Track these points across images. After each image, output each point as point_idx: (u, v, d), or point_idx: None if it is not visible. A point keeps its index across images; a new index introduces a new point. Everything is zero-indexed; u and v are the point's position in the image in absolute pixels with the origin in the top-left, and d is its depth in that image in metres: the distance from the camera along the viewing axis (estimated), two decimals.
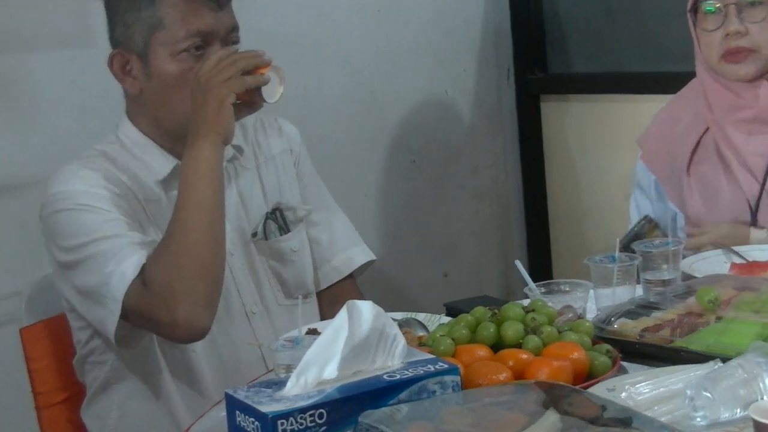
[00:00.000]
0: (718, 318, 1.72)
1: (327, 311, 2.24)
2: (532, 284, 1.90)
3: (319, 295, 2.28)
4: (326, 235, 2.28)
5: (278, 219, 2.20)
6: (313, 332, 1.67)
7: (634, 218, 2.53)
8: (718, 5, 2.28)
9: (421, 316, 1.95)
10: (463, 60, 3.40)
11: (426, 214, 3.32)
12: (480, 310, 1.72)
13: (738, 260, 2.09)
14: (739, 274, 1.97)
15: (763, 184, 2.30)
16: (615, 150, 3.15)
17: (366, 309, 1.45)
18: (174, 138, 2.05)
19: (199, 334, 1.92)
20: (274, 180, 2.22)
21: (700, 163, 2.40)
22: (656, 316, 1.78)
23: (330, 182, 3.02)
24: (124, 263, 1.89)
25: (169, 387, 2.06)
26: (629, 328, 1.76)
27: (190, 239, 1.89)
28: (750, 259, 2.07)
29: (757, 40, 2.27)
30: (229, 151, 2.11)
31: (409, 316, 1.95)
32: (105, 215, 1.94)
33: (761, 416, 1.20)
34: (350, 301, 1.44)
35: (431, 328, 1.85)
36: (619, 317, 1.80)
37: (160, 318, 1.88)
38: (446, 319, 1.88)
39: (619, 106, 3.24)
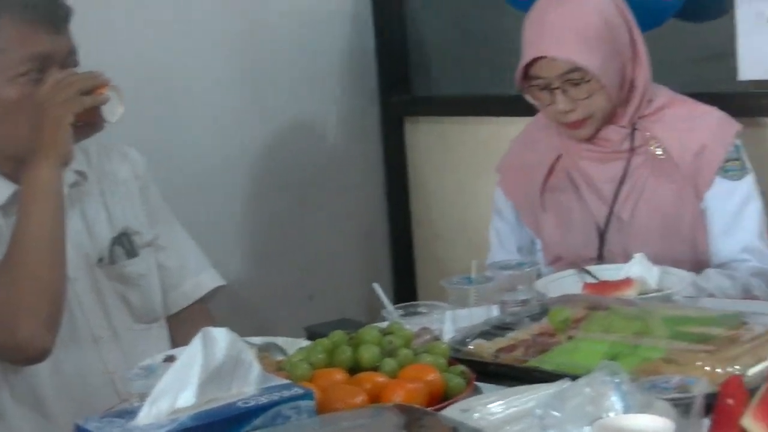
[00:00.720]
0: (570, 337, 1.77)
1: (177, 336, 2.24)
2: (390, 306, 1.93)
3: (170, 320, 2.27)
4: (174, 260, 2.28)
5: (125, 244, 2.20)
6: (171, 359, 1.66)
7: (494, 243, 2.60)
8: (543, 87, 2.34)
9: (280, 341, 1.95)
10: (329, 83, 3.41)
11: (291, 237, 3.31)
12: (338, 334, 1.73)
13: (591, 280, 2.16)
14: (591, 294, 2.03)
15: (611, 207, 2.38)
16: (478, 172, 3.20)
17: (221, 336, 1.44)
18: (13, 163, 2.03)
19: (40, 356, 1.92)
20: (119, 205, 2.22)
21: (553, 189, 2.47)
22: (511, 337, 1.83)
23: (195, 205, 3.02)
24: None
25: (11, 410, 2.03)
26: (484, 348, 1.79)
27: (30, 259, 1.90)
28: (601, 279, 2.14)
29: (588, 111, 2.34)
30: (70, 177, 2.11)
31: (268, 340, 1.95)
32: None
33: None
34: (205, 329, 1.44)
35: (291, 352, 1.85)
36: (475, 338, 1.83)
37: (0, 338, 1.88)
38: (306, 343, 1.88)
39: (482, 128, 3.28)
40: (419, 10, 3.54)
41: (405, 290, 3.45)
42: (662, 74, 2.52)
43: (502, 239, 2.59)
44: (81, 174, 2.15)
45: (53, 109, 1.92)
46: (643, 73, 2.38)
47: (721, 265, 2.35)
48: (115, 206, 2.21)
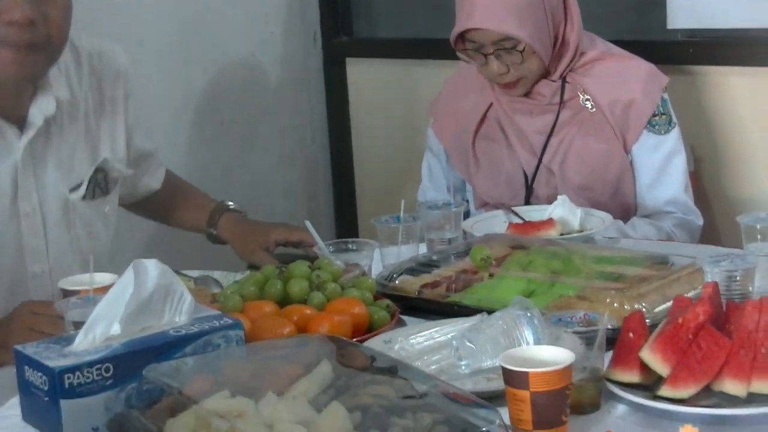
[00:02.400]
0: (491, 275, 1.86)
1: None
2: (320, 243, 2.00)
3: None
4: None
5: (101, 180, 2.15)
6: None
7: (426, 179, 2.67)
8: (478, 51, 2.39)
9: (216, 274, 2.02)
10: (270, 23, 3.44)
11: (234, 176, 3.36)
12: (269, 269, 1.81)
13: (517, 221, 2.24)
14: (515, 234, 2.11)
15: (540, 158, 2.45)
16: (416, 112, 3.25)
17: (151, 266, 1.51)
18: None
19: None
20: (103, 130, 2.16)
21: (484, 138, 2.53)
22: (436, 273, 1.91)
23: None
24: None
25: None
26: (409, 284, 1.87)
27: None
28: (526, 219, 2.22)
29: (521, 73, 2.40)
30: (49, 106, 2.01)
31: (205, 273, 2.02)
32: None
33: (509, 363, 1.32)
34: (136, 260, 1.51)
35: (226, 285, 1.93)
36: (401, 274, 1.92)
37: None
38: (241, 277, 1.96)
39: (420, 69, 3.34)
40: None
41: (346, 228, 3.52)
42: (595, 24, 2.58)
43: (434, 176, 2.65)
44: (62, 103, 2.05)
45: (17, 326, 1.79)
46: (575, 30, 2.43)
47: (646, 217, 2.43)
48: (98, 133, 2.15)
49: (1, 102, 1.97)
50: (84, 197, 2.10)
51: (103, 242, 2.17)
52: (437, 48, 3.22)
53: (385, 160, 3.52)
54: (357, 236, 2.91)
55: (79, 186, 2.10)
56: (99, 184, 2.14)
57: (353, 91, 3.56)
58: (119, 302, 1.48)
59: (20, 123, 2.00)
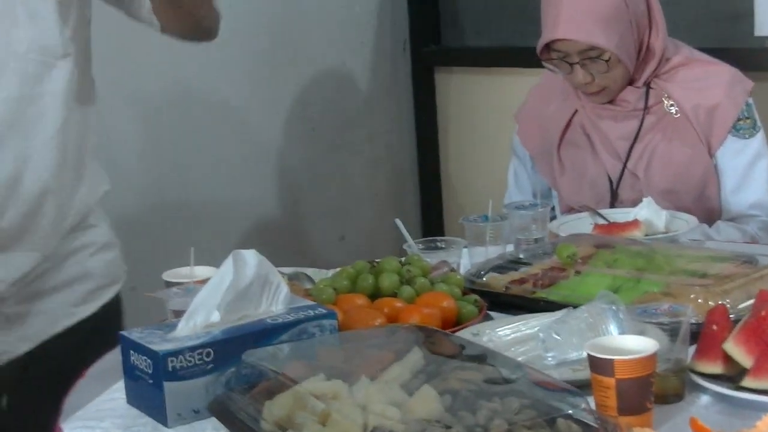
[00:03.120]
0: (577, 272, 1.90)
1: None
2: (410, 240, 2.05)
3: None
4: None
5: None
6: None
7: (512, 184, 2.71)
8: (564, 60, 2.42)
9: (309, 271, 2.08)
10: (361, 32, 3.52)
11: (324, 180, 3.45)
12: (360, 263, 1.87)
13: (602, 222, 2.27)
14: (600, 234, 2.15)
15: (625, 163, 2.48)
16: (502, 119, 3.29)
17: (250, 257, 1.58)
18: None
19: None
20: None
21: (569, 144, 2.57)
22: (522, 271, 1.96)
23: (230, 146, 3.15)
24: None
25: None
26: (497, 280, 1.92)
27: None
28: (611, 221, 2.25)
29: (606, 82, 2.43)
30: None
31: (298, 270, 2.08)
32: None
33: (594, 351, 1.36)
34: (235, 251, 1.58)
35: (318, 281, 1.99)
36: (489, 272, 1.97)
37: None
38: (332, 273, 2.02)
39: (508, 78, 3.40)
40: None
41: (432, 232, 3.58)
42: (681, 32, 2.60)
43: (519, 181, 2.69)
44: None
45: None
46: (660, 38, 2.45)
47: (731, 221, 2.44)
48: None
49: None
50: None
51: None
52: (523, 56, 3.27)
53: (472, 166, 3.59)
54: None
55: None
56: None
57: (441, 98, 3.64)
58: (218, 291, 1.55)
59: None
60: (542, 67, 2.49)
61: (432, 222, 3.67)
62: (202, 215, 3.09)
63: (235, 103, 3.22)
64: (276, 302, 1.59)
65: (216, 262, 1.70)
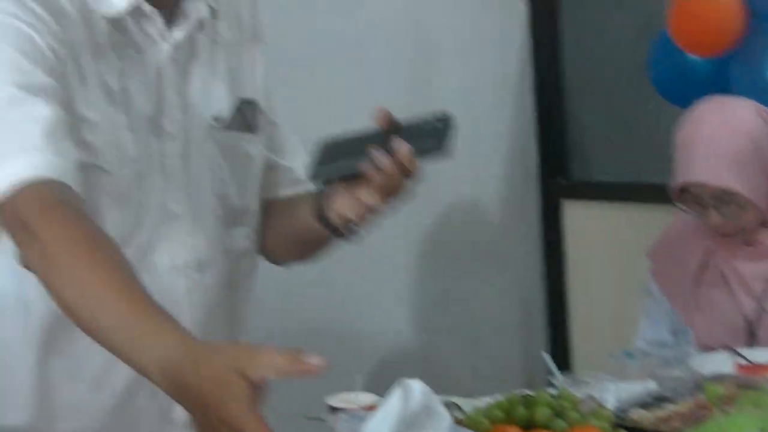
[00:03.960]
0: (724, 412, 1.95)
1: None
2: (558, 375, 2.13)
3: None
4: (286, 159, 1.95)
5: (247, 114, 1.84)
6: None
7: (644, 321, 2.76)
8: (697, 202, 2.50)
9: (456, 399, 2.16)
10: (493, 165, 3.68)
11: (456, 308, 3.55)
12: (513, 395, 1.95)
13: (743, 362, 2.32)
14: (743, 374, 2.20)
15: (762, 304, 2.53)
16: (631, 254, 3.37)
17: (416, 387, 1.68)
18: None
19: None
20: (243, 62, 1.85)
21: (705, 284, 2.61)
22: (669, 408, 2.01)
23: (364, 276, 3.27)
24: (12, 161, 1.49)
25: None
26: (645, 417, 1.98)
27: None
28: (753, 361, 2.30)
29: (739, 225, 2.50)
30: (202, 8, 1.74)
31: (446, 399, 2.17)
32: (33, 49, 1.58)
33: None
34: (403, 380, 1.67)
35: (467, 410, 2.07)
36: (636, 407, 2.03)
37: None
38: (480, 403, 2.10)
39: (636, 213, 3.49)
40: (577, 100, 3.78)
41: (558, 365, 3.63)
42: None
43: (653, 319, 2.75)
44: (212, 11, 1.77)
45: None
46: None
47: None
48: (239, 63, 1.84)
49: None
50: (228, 127, 1.80)
51: (246, 198, 1.84)
52: (648, 192, 3.39)
53: (601, 300, 3.66)
54: (569, 370, 3.02)
55: (221, 114, 1.79)
56: (244, 118, 1.83)
57: (568, 230, 3.74)
58: (388, 419, 1.64)
59: (168, 17, 1.72)
60: (669, 203, 2.58)
61: (559, 355, 3.72)
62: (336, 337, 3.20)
63: (374, 235, 3.34)
64: (440, 430, 1.68)
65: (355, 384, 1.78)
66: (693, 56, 3.03)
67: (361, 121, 3.17)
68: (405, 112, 3.30)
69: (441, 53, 3.55)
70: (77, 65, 1.61)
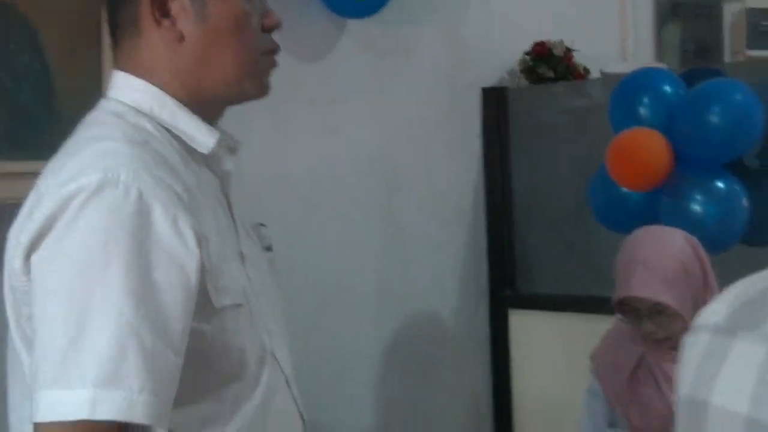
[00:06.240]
0: None
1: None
2: None
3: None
4: None
5: (263, 235, 1.85)
6: None
7: (585, 415, 3.11)
8: (634, 313, 2.86)
9: None
10: (449, 280, 3.97)
11: (413, 406, 3.81)
12: None
13: None
14: None
15: None
16: (570, 358, 3.65)
17: None
18: (204, 105, 1.61)
19: None
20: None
21: (638, 382, 2.98)
22: None
23: (334, 384, 3.55)
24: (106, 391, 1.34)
25: None
26: None
27: None
28: None
29: (669, 332, 2.86)
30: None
31: None
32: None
33: None
34: None
35: None
36: None
37: None
38: None
39: (575, 322, 3.77)
40: (525, 223, 4.09)
41: None
42: (728, 285, 3.05)
43: (593, 414, 3.08)
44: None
45: None
46: (712, 297, 2.90)
47: None
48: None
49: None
50: (267, 248, 1.84)
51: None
52: (588, 304, 3.69)
53: (544, 399, 3.91)
54: None
55: (266, 240, 1.83)
56: (263, 239, 1.85)
57: (515, 337, 4.02)
58: None
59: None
60: (604, 312, 2.91)
61: None
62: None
63: (343, 345, 3.64)
64: None
65: None
66: (627, 190, 3.29)
67: (335, 240, 3.58)
68: (374, 235, 3.72)
69: (407, 184, 3.84)
70: (199, 216, 1.48)
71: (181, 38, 1.56)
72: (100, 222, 1.37)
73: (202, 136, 1.58)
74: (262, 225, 1.89)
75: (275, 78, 1.60)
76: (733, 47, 4.88)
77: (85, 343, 1.34)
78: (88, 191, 1.38)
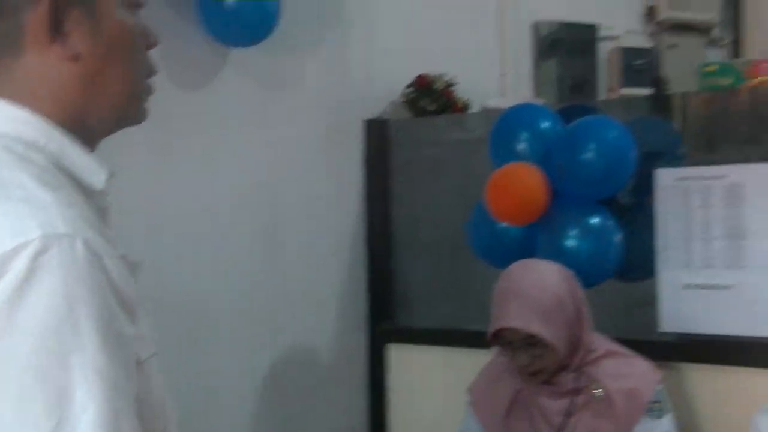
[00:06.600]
0: None
1: None
2: None
3: None
4: None
5: None
6: None
7: None
8: (509, 345, 2.92)
9: None
10: (327, 311, 4.00)
11: None
12: None
13: None
14: None
15: None
16: (450, 393, 3.67)
17: None
18: (88, 133, 1.43)
19: None
20: None
21: (514, 417, 3.04)
22: None
23: (207, 415, 3.54)
24: None
25: None
26: None
27: None
28: None
29: (542, 365, 2.92)
30: None
31: None
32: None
33: None
34: None
35: None
36: None
37: None
38: None
39: (455, 356, 3.80)
40: (404, 257, 4.14)
41: None
42: (601, 320, 3.08)
43: None
44: None
45: None
46: (585, 332, 2.96)
47: None
48: None
49: None
50: None
51: None
52: (466, 338, 3.72)
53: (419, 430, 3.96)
54: None
55: None
56: None
57: (393, 370, 4.05)
58: None
59: None
60: (482, 346, 2.96)
61: None
62: None
63: (217, 379, 3.63)
64: None
65: None
66: (505, 224, 3.36)
67: (212, 271, 3.56)
68: (254, 266, 3.72)
69: (288, 215, 3.87)
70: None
71: (76, 57, 1.39)
72: (58, 284, 1.20)
73: (92, 170, 1.41)
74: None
75: (154, 105, 1.57)
76: (608, 84, 5.00)
77: (76, 425, 1.17)
78: (31, 253, 1.20)
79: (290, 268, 3.89)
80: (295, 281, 3.91)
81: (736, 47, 5.40)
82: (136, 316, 1.31)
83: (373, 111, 4.16)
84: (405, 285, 4.15)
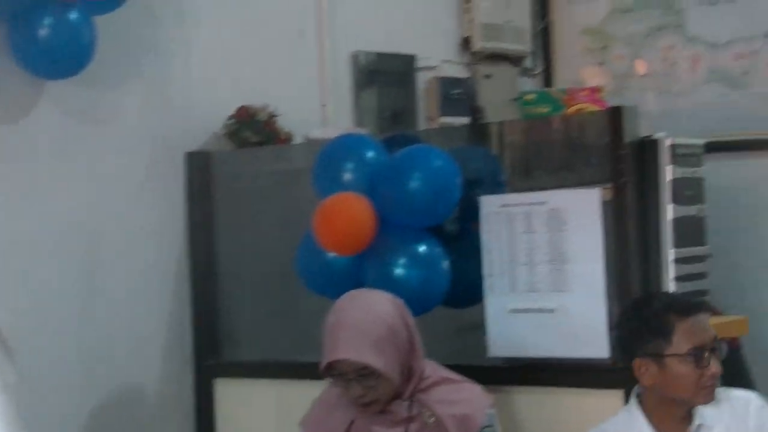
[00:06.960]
0: None
1: None
2: None
3: None
4: None
5: None
6: None
7: None
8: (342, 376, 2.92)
9: None
10: (151, 347, 3.93)
11: None
12: None
13: None
14: None
15: None
16: (278, 426, 3.71)
17: None
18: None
19: None
20: None
21: None
22: None
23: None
24: None
25: None
26: None
27: None
28: None
29: (375, 396, 2.93)
30: None
31: None
32: None
33: None
34: None
35: None
36: None
37: None
38: None
39: (283, 388, 3.80)
40: (230, 289, 4.09)
41: None
42: (431, 346, 3.11)
43: None
44: None
45: None
46: (417, 360, 3.00)
47: None
48: None
49: None
50: None
51: None
52: (296, 370, 3.71)
53: None
54: None
55: None
56: None
57: (220, 406, 4.00)
58: None
59: None
60: (313, 378, 2.97)
61: None
62: None
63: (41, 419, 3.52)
64: None
65: None
66: (333, 255, 3.38)
67: (30, 309, 3.45)
68: (74, 303, 3.62)
69: (109, 250, 3.82)
70: None
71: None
72: None
73: None
74: None
75: None
76: (427, 113, 5.07)
77: None
78: None
79: (112, 306, 3.82)
80: (118, 319, 3.84)
81: (547, 77, 5.54)
82: None
83: (195, 143, 4.11)
84: (232, 319, 4.12)
